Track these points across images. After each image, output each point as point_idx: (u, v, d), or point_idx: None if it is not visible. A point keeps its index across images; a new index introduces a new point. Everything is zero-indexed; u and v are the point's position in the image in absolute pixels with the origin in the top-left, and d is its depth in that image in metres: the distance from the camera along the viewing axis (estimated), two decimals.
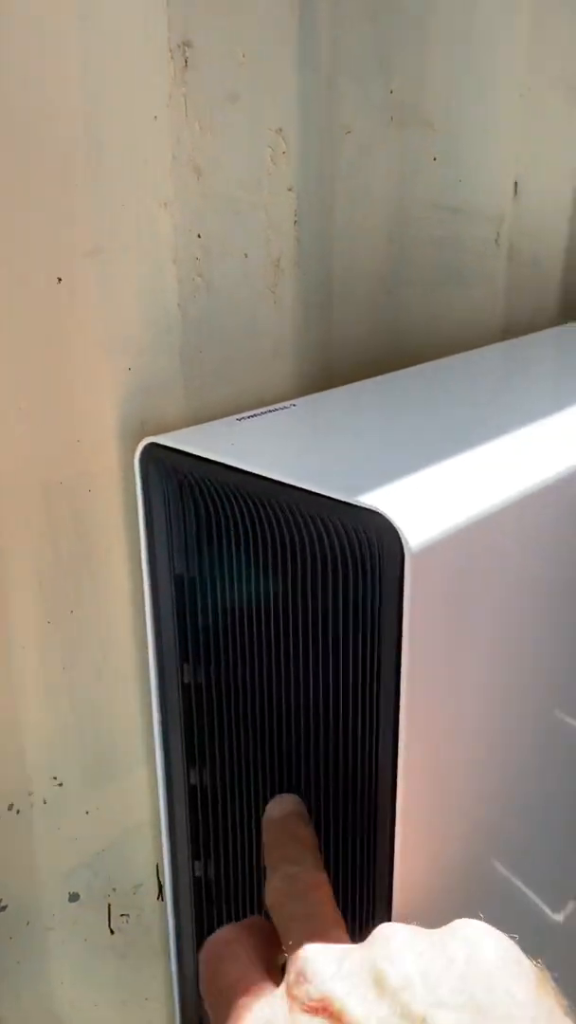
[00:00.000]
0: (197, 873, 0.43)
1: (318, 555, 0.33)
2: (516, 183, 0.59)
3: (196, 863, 0.43)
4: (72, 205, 0.34)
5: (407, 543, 0.29)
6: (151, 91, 0.35)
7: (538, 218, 0.61)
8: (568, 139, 0.63)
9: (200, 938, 0.44)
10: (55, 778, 0.41)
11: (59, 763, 0.41)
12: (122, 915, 0.45)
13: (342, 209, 0.47)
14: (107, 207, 0.35)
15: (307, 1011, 0.28)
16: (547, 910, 0.46)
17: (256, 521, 0.34)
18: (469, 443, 0.37)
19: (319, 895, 0.32)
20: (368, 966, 0.28)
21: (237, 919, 0.43)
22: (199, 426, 0.39)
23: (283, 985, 0.30)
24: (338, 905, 0.33)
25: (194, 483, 0.36)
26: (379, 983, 0.28)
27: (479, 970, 0.27)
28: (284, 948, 0.31)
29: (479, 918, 0.29)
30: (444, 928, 0.30)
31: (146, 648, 0.40)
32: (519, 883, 0.43)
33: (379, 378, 0.46)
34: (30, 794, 0.40)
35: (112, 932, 0.45)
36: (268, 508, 0.34)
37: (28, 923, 0.42)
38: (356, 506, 0.30)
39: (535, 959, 0.28)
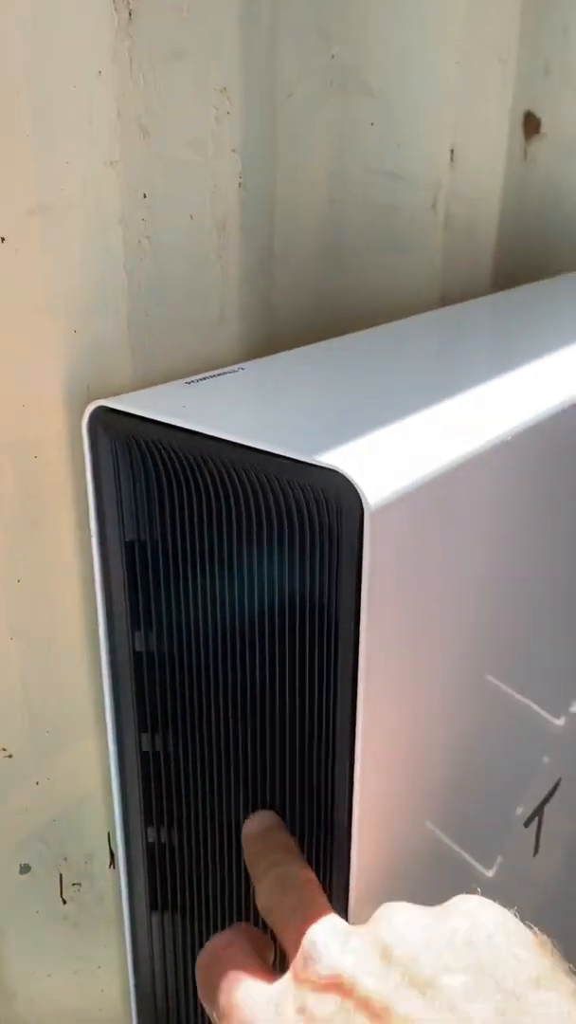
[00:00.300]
0: (150, 839, 0.43)
1: (274, 516, 0.33)
2: (452, 150, 0.59)
3: (149, 829, 0.43)
4: (15, 161, 0.33)
5: (366, 500, 0.29)
6: (95, 44, 0.34)
7: (473, 185, 0.62)
8: (501, 107, 0.63)
9: (153, 904, 0.44)
10: (4, 749, 0.40)
11: (8, 734, 0.40)
12: (74, 884, 0.45)
13: (284, 173, 0.46)
14: (52, 164, 0.34)
15: (317, 990, 0.29)
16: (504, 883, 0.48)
17: (210, 484, 0.34)
18: (421, 403, 0.37)
19: (313, 889, 0.33)
20: (374, 941, 0.29)
21: (190, 884, 0.43)
22: (148, 390, 0.38)
23: (289, 972, 0.30)
24: None
25: (144, 447, 0.36)
26: (386, 956, 0.28)
27: (481, 937, 0.28)
28: (282, 942, 0.32)
29: (477, 892, 0.31)
30: (444, 904, 0.31)
31: (96, 616, 0.40)
32: (475, 860, 0.45)
33: (325, 342, 0.46)
34: None
35: (64, 902, 0.45)
36: (223, 470, 0.33)
37: None
38: (314, 465, 0.30)
39: (533, 928, 0.29)
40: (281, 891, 0.33)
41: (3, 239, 0.33)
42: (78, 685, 0.42)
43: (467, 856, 0.45)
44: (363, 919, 0.32)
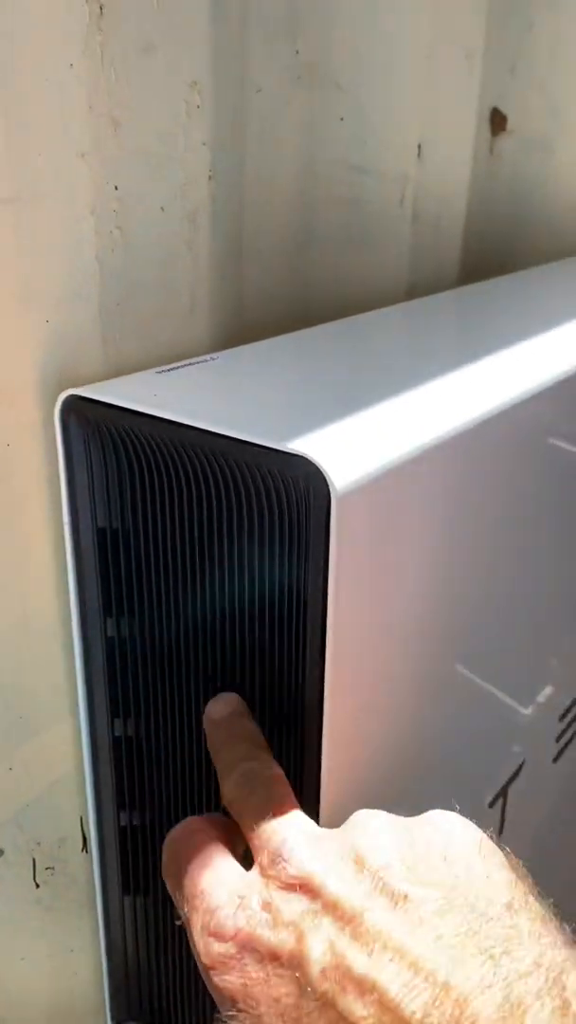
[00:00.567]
0: (123, 823, 0.44)
1: (244, 501, 0.34)
2: (420, 145, 0.60)
3: (121, 813, 0.44)
4: None
5: (333, 486, 0.30)
6: (67, 38, 0.34)
7: (440, 180, 0.63)
8: (468, 102, 0.64)
9: (126, 887, 0.45)
10: None
11: None
12: (47, 868, 0.46)
13: (253, 166, 0.47)
14: (24, 155, 0.34)
15: (284, 889, 0.28)
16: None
17: (181, 471, 0.35)
18: (388, 392, 0.38)
19: (282, 788, 0.33)
20: (347, 848, 0.29)
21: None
22: (120, 378, 0.39)
23: (255, 867, 0.30)
24: None
25: (116, 435, 0.36)
26: (358, 863, 0.28)
27: (456, 853, 0.29)
28: (248, 838, 0.31)
29: (455, 809, 0.31)
30: (419, 817, 0.31)
31: (69, 603, 0.40)
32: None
33: (295, 333, 0.47)
34: None
35: (37, 886, 0.46)
36: (194, 457, 0.34)
37: None
38: (283, 452, 0.31)
39: (505, 849, 0.30)
40: (248, 786, 0.33)
41: None
42: (51, 671, 0.42)
43: None
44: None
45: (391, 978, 0.25)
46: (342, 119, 0.53)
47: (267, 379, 0.40)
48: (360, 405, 0.37)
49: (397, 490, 0.34)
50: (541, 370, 0.44)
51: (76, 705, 0.42)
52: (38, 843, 0.45)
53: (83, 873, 0.47)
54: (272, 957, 0.28)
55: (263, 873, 0.29)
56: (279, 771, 0.34)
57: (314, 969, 0.26)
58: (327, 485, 0.30)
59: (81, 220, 0.37)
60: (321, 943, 0.27)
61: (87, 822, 0.46)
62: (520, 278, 0.69)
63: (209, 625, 0.37)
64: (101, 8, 0.35)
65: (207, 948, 0.29)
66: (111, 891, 0.46)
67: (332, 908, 0.27)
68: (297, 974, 0.27)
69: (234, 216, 0.46)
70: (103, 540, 0.39)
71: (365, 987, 0.25)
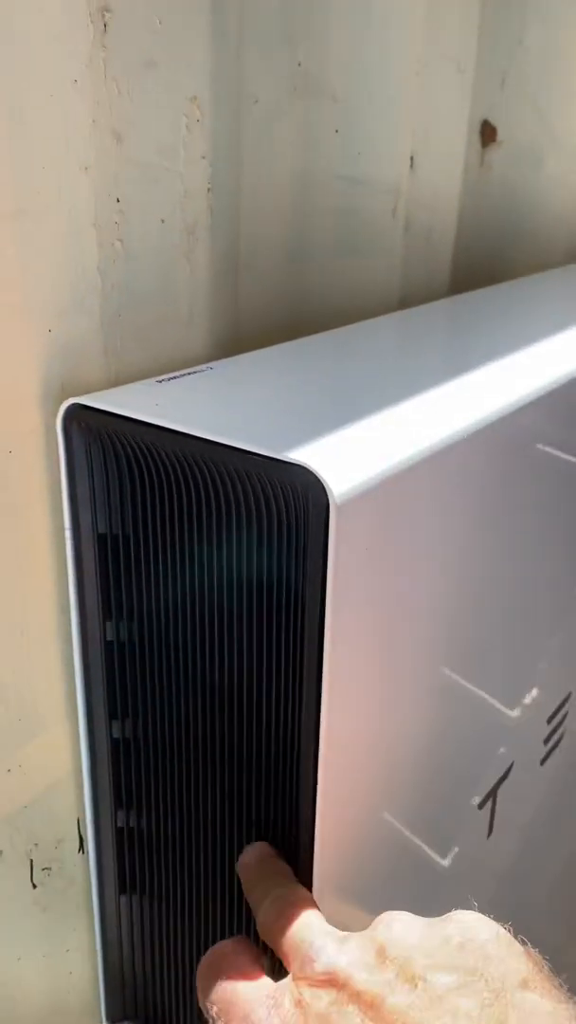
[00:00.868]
0: (119, 824, 0.44)
1: (244, 509, 0.34)
2: (412, 157, 0.61)
3: (118, 814, 0.44)
4: None
5: (332, 494, 0.31)
6: (71, 54, 0.35)
7: (432, 191, 0.64)
8: (459, 116, 0.65)
9: (122, 888, 0.46)
10: None
11: None
12: (44, 869, 0.46)
13: (250, 178, 0.48)
14: (28, 170, 0.35)
15: (314, 985, 0.30)
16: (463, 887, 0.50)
17: (182, 478, 0.36)
18: (384, 401, 0.39)
19: (310, 906, 0.34)
20: (371, 944, 0.31)
21: (159, 868, 0.44)
22: (121, 387, 0.40)
23: (288, 976, 0.32)
24: None
25: (117, 443, 0.37)
26: (380, 955, 0.30)
27: (474, 944, 0.30)
28: (281, 954, 0.33)
29: (474, 907, 0.32)
30: (442, 916, 0.32)
31: (69, 607, 0.41)
32: (431, 842, 0.47)
33: (291, 343, 0.48)
34: None
35: (35, 886, 0.46)
36: (194, 465, 0.35)
37: None
38: (283, 461, 0.32)
39: (527, 943, 0.31)
40: (278, 909, 0.35)
41: None
42: (50, 674, 0.43)
43: (423, 839, 0.47)
44: (327, 905, 0.33)
45: None
46: (336, 131, 0.54)
47: (265, 388, 0.41)
48: (357, 414, 0.37)
49: (395, 498, 0.35)
50: (534, 379, 0.45)
51: (74, 708, 0.43)
52: (36, 844, 0.46)
53: (80, 874, 0.48)
54: None
55: (295, 977, 0.31)
56: (307, 894, 0.36)
57: None
58: (326, 494, 0.31)
59: (83, 232, 0.38)
60: None
61: (84, 823, 0.47)
62: (511, 287, 0.70)
63: (206, 629, 0.38)
64: (105, 26, 0.36)
65: None
66: (107, 892, 0.46)
67: (357, 997, 0.29)
68: None
69: (231, 227, 0.47)
70: (103, 545, 0.39)
71: None
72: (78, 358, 0.39)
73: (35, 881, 0.46)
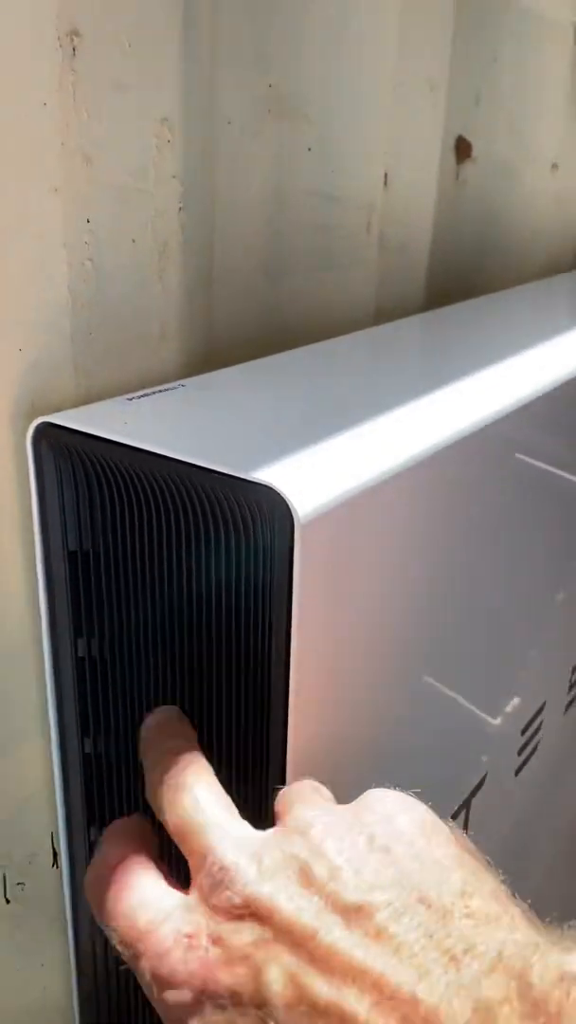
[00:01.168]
0: (92, 838, 0.45)
1: (211, 528, 0.35)
2: (386, 174, 0.61)
3: (91, 829, 0.44)
4: None
5: (296, 513, 0.31)
6: (40, 78, 0.35)
7: (406, 207, 0.65)
8: (431, 133, 0.66)
9: None
10: None
11: None
12: (18, 884, 0.46)
13: (223, 197, 0.48)
14: None
15: (232, 919, 0.27)
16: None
17: (150, 497, 0.36)
18: (354, 419, 0.39)
19: (203, 784, 0.32)
20: (290, 861, 0.28)
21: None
22: (90, 406, 0.40)
23: (194, 893, 0.29)
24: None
25: (87, 461, 0.37)
26: (305, 877, 0.27)
27: (401, 843, 0.28)
28: (179, 845, 0.30)
29: (388, 786, 0.30)
30: (356, 803, 0.30)
31: (40, 623, 0.41)
32: None
33: (263, 360, 0.49)
34: None
35: (8, 901, 0.46)
36: (162, 484, 0.35)
37: None
38: (248, 480, 0.32)
39: (447, 820, 0.29)
40: (168, 788, 0.32)
41: None
42: (23, 690, 0.43)
43: None
44: None
45: (357, 1002, 0.24)
46: (310, 149, 0.54)
47: (234, 406, 0.42)
48: (327, 432, 0.38)
49: (361, 516, 0.35)
50: (504, 394, 0.46)
51: (47, 723, 0.43)
52: (9, 859, 0.46)
53: (53, 889, 0.48)
54: (233, 999, 0.26)
55: (206, 901, 0.28)
56: (197, 759, 0.33)
57: (278, 1005, 0.25)
58: (291, 513, 0.31)
59: (54, 253, 0.38)
60: (280, 976, 0.26)
61: (58, 838, 0.47)
62: (485, 302, 0.70)
63: (177, 646, 0.38)
64: (74, 49, 0.36)
65: (161, 996, 0.28)
66: (81, 906, 0.46)
67: (286, 934, 0.26)
68: (261, 1013, 0.26)
69: (204, 245, 0.47)
70: (74, 563, 0.40)
71: (332, 1016, 0.25)
72: (48, 376, 0.40)
73: (8, 896, 0.46)
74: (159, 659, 0.39)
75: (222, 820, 0.30)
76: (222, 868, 0.28)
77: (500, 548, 0.49)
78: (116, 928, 0.30)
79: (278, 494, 0.31)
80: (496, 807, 0.58)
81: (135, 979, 0.46)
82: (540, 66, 0.79)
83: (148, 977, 0.28)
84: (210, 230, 0.48)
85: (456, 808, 0.52)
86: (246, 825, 0.31)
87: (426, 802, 0.31)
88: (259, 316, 0.54)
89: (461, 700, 0.50)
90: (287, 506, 0.31)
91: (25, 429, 0.38)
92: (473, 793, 0.54)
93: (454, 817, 0.52)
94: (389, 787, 0.31)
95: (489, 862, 0.29)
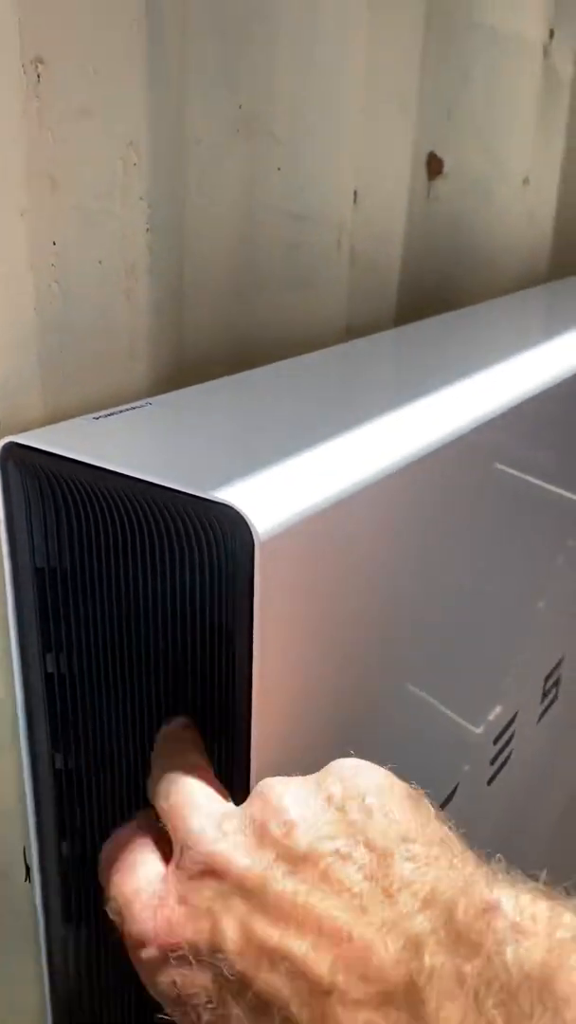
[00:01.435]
0: (64, 852, 0.45)
1: (175, 546, 0.35)
2: (356, 192, 0.62)
3: (63, 843, 0.45)
4: None
5: (256, 532, 0.32)
6: (5, 105, 0.36)
7: (376, 224, 0.65)
8: (402, 151, 0.67)
9: (67, 917, 0.46)
10: None
11: None
12: None
13: (193, 217, 0.49)
14: None
15: (194, 878, 0.29)
16: None
17: (116, 515, 0.37)
18: (316, 438, 0.40)
19: (193, 777, 0.33)
20: (248, 823, 0.30)
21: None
22: (57, 425, 0.40)
23: (172, 863, 0.31)
24: None
25: (54, 480, 0.38)
26: (261, 834, 0.29)
27: (355, 800, 0.29)
28: (168, 830, 0.32)
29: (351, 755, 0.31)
30: (322, 770, 0.31)
31: (9, 639, 0.41)
32: None
33: (230, 377, 0.49)
34: None
35: None
36: (126, 503, 0.36)
37: None
38: (208, 500, 0.33)
39: (412, 782, 0.30)
40: (165, 784, 0.33)
41: None
42: None
43: None
44: None
45: (298, 943, 0.26)
46: (279, 168, 0.55)
47: (199, 425, 0.42)
48: (291, 450, 0.38)
49: (325, 533, 0.36)
50: (471, 409, 0.46)
51: (18, 739, 0.43)
52: None
53: (25, 903, 0.48)
54: (194, 950, 0.28)
55: (177, 866, 0.30)
56: (196, 760, 0.34)
57: (231, 951, 0.27)
58: (251, 532, 0.32)
59: (20, 275, 0.38)
60: (233, 924, 0.28)
61: (30, 852, 0.47)
62: (455, 317, 0.71)
63: (144, 661, 0.39)
64: (39, 76, 0.37)
65: (136, 955, 0.30)
66: (53, 920, 0.47)
67: (239, 887, 0.28)
68: (218, 960, 0.27)
69: (173, 264, 0.48)
70: (41, 580, 0.40)
71: (277, 958, 0.26)
72: (16, 396, 0.40)
73: None
74: (127, 674, 0.39)
75: (203, 802, 0.32)
76: (188, 833, 0.30)
77: (467, 561, 0.50)
78: (110, 899, 0.33)
79: (238, 512, 0.32)
80: (469, 816, 0.59)
81: (108, 992, 0.47)
82: (510, 82, 0.80)
83: (129, 941, 0.31)
84: (179, 249, 0.48)
85: None
86: (229, 805, 0.32)
87: None
88: (229, 334, 0.54)
89: (432, 711, 0.51)
90: (247, 525, 0.32)
91: None
92: (445, 803, 0.54)
93: None
94: (351, 755, 0.32)
95: (440, 816, 0.30)
